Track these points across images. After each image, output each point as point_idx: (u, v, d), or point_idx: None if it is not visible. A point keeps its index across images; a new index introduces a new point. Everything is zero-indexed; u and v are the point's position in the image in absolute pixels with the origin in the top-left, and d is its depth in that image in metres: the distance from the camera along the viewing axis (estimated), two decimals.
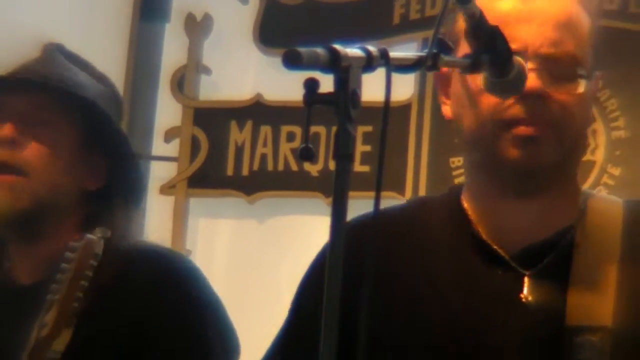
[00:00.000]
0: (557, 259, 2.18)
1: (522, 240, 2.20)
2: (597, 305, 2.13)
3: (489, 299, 2.18)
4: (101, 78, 2.78)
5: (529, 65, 2.12)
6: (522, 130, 2.15)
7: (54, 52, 2.74)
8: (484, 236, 2.21)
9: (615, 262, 2.16)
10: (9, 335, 2.55)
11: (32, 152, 2.61)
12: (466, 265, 2.21)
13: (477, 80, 2.13)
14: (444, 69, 2.13)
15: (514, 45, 2.09)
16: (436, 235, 2.27)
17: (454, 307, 2.18)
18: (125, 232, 2.68)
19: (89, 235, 2.44)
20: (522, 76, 2.08)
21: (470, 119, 2.18)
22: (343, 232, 1.78)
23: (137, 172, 2.79)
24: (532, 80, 2.11)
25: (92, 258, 2.43)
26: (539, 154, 2.15)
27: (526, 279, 2.17)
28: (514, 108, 2.15)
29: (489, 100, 2.15)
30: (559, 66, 2.16)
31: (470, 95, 2.17)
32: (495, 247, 2.20)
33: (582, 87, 2.17)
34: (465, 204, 2.26)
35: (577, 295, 2.14)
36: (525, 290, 2.17)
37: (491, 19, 2.14)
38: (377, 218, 2.04)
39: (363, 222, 2.24)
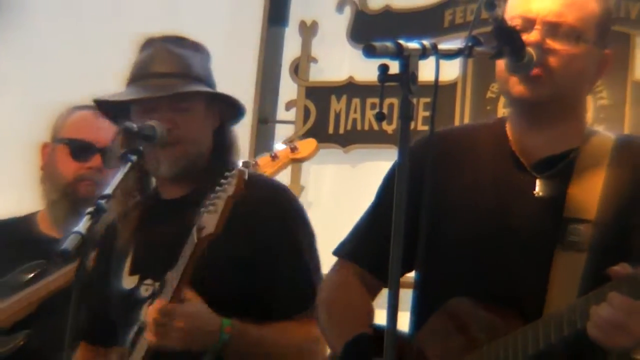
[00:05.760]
0: (562, 169, 2.18)
1: (539, 154, 2.20)
2: (585, 204, 2.14)
3: (513, 193, 2.19)
4: (195, 46, 2.75)
5: (536, 27, 2.12)
6: None
7: (160, 44, 2.70)
8: (515, 150, 2.21)
9: (603, 176, 2.16)
10: (165, 231, 2.63)
11: (181, 130, 2.63)
12: (501, 169, 2.22)
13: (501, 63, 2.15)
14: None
15: (529, 15, 2.12)
16: (484, 148, 2.26)
17: (489, 199, 2.20)
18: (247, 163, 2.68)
19: (240, 167, 2.41)
20: (532, 60, 2.09)
21: (500, 81, 2.20)
22: (407, 171, 1.80)
23: (235, 106, 2.75)
24: (534, 35, 2.12)
25: (243, 182, 2.38)
26: (536, 89, 2.14)
27: (538, 180, 2.18)
28: None
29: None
30: (559, 30, 2.13)
31: (500, 69, 2.18)
32: (521, 158, 2.20)
33: (577, 48, 2.14)
34: (507, 128, 2.25)
35: (573, 196, 2.15)
36: (537, 188, 2.18)
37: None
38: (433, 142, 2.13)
39: (424, 141, 2.24)
